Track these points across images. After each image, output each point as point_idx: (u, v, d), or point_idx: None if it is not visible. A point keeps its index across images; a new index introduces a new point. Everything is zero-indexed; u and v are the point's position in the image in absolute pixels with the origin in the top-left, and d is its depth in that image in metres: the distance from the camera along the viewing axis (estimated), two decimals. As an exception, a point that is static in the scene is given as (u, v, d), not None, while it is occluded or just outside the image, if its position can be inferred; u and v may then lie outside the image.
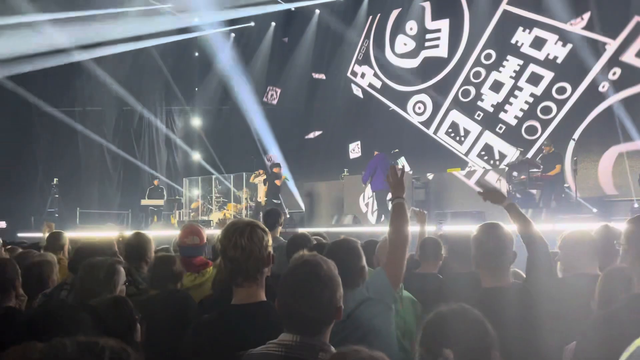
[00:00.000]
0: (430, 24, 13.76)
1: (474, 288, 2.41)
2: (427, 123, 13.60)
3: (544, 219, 8.04)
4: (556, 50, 11.73)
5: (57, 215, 12.61)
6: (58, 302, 2.68)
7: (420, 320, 2.23)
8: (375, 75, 14.65)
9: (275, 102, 16.07)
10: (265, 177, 12.01)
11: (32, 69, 12.78)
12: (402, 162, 12.45)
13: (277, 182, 11.45)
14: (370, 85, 14.72)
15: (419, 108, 13.79)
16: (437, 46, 13.69)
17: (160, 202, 13.91)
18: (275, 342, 1.48)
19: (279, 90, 16.17)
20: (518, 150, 11.03)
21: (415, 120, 13.79)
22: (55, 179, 13.09)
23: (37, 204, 13.32)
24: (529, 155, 11.17)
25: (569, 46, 11.54)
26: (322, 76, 15.46)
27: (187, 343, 1.73)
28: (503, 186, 10.04)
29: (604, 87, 11.00)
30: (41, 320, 1.68)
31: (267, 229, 1.77)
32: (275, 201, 11.32)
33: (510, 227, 2.37)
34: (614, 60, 10.90)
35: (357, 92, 14.96)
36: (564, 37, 11.61)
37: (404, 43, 14.20)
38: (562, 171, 9.26)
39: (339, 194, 12.20)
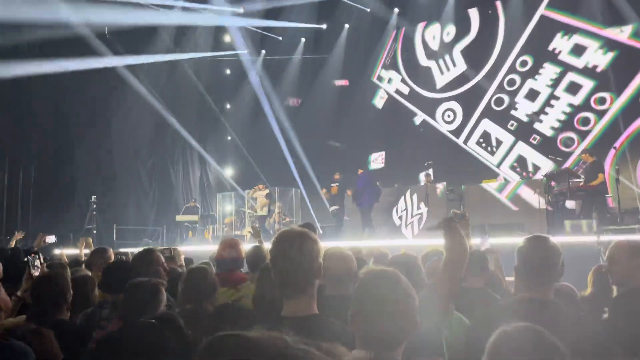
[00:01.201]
0: (456, 54, 13.60)
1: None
2: (457, 132, 13.30)
3: (585, 231, 7.75)
4: (597, 58, 11.23)
5: (95, 231, 12.87)
6: (143, 322, 2.73)
7: (469, 342, 2.13)
8: (403, 81, 14.49)
9: (297, 105, 16.19)
10: (267, 191, 12.39)
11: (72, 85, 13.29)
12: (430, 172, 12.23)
13: (334, 190, 11.51)
14: (397, 92, 14.55)
15: (449, 116, 13.49)
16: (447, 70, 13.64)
17: (195, 217, 14.11)
18: None
19: (301, 99, 16.33)
20: (556, 160, 10.70)
21: (445, 128, 13.53)
22: (93, 196, 13.39)
23: (75, 221, 13.61)
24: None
25: (610, 54, 11.06)
26: (346, 82, 15.47)
27: None
28: (542, 200, 9.69)
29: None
30: (128, 339, 1.67)
31: (317, 240, 1.72)
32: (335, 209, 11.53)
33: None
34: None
35: (382, 99, 14.84)
36: (606, 44, 11.12)
37: (432, 36, 13.99)
38: (604, 181, 8.94)
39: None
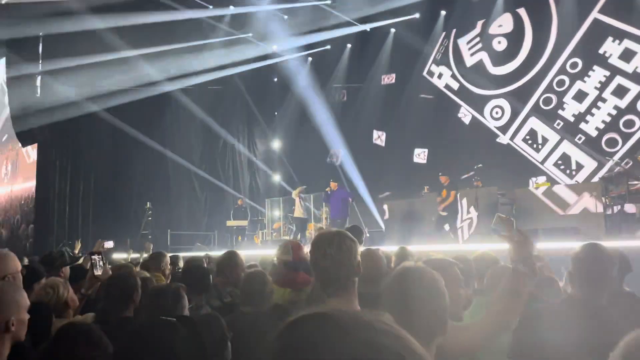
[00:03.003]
0: (487, 56, 13.72)
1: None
2: (504, 129, 13.38)
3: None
4: (646, 63, 11.19)
5: (150, 236, 13.36)
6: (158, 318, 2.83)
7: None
8: (453, 76, 14.51)
9: (344, 99, 16.39)
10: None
11: (127, 101, 13.94)
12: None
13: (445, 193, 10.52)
14: (447, 87, 14.59)
15: (497, 113, 13.56)
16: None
17: (244, 222, 14.38)
18: None
19: (344, 92, 16.56)
20: (612, 160, 10.37)
21: (492, 125, 13.56)
22: (148, 203, 13.91)
23: (131, 227, 14.16)
24: (606, 168, 10.51)
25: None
26: (392, 79, 15.47)
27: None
28: (598, 204, 9.29)
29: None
30: (145, 333, 1.75)
31: (355, 239, 1.76)
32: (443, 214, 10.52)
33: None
34: None
35: (429, 95, 14.83)
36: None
37: (499, 24, 13.78)
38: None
39: (419, 210, 11.90)
